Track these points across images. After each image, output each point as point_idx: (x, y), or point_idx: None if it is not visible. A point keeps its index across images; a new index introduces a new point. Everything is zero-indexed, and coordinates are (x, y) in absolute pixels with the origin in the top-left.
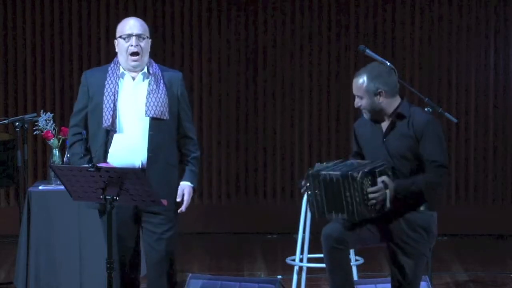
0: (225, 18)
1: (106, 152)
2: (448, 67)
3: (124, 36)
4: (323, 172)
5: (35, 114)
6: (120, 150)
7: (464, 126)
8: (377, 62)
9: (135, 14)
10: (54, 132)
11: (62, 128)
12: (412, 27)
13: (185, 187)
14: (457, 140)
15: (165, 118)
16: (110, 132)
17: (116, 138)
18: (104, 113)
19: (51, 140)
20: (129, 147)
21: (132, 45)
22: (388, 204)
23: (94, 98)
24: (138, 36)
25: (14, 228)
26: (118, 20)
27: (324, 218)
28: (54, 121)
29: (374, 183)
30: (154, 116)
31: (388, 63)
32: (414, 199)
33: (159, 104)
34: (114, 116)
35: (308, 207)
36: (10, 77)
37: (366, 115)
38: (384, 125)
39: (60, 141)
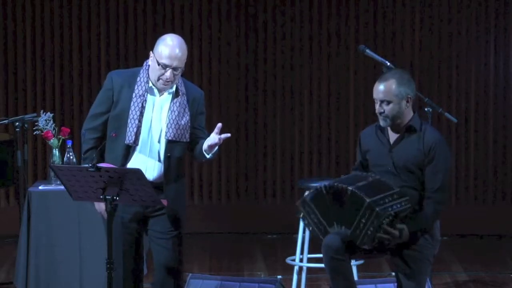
0: (225, 18)
1: (123, 166)
2: (448, 67)
3: (161, 64)
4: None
5: (35, 114)
6: (137, 165)
7: (464, 126)
8: (402, 69)
9: (134, 14)
10: (54, 132)
11: (62, 128)
12: (412, 27)
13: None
14: (457, 140)
15: (184, 140)
16: (130, 147)
17: (135, 153)
18: (128, 129)
19: (51, 140)
20: (146, 164)
21: (166, 75)
22: (391, 245)
23: (119, 104)
24: (175, 69)
25: (14, 228)
26: (119, 20)
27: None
28: (54, 121)
29: (391, 223)
30: (173, 139)
31: (388, 63)
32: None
33: (181, 127)
34: (138, 133)
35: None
36: (10, 77)
37: (385, 122)
38: (393, 136)
39: (60, 141)
